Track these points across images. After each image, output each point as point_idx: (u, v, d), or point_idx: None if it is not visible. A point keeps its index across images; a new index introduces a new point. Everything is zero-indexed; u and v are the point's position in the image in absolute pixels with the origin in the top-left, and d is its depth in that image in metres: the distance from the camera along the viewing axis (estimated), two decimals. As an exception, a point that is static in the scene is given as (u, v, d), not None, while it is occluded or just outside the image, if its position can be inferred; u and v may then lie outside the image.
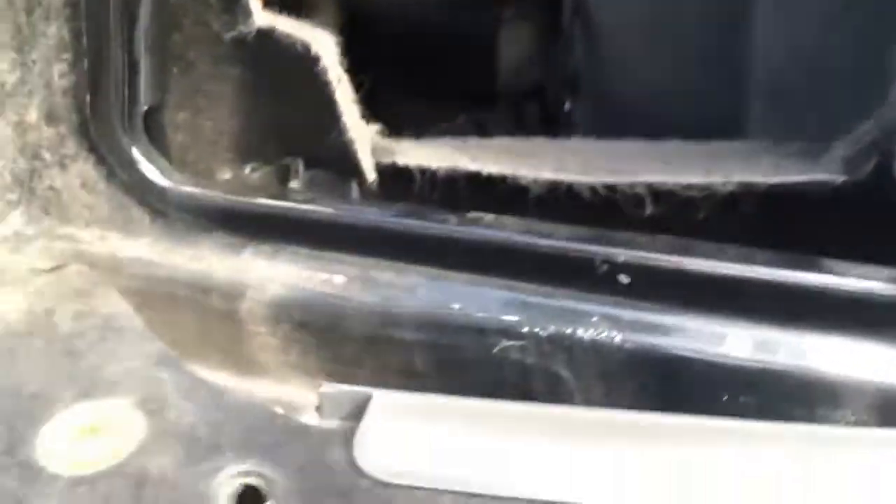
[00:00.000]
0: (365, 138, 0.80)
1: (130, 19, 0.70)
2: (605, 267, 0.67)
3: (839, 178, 0.71)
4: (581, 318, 0.68)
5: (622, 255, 0.66)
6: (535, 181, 0.78)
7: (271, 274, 0.74)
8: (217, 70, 0.80)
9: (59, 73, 0.72)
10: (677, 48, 1.51)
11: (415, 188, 0.84)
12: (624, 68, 1.65)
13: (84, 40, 0.70)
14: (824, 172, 0.71)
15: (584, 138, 0.85)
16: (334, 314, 0.73)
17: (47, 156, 0.76)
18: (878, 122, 0.71)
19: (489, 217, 0.70)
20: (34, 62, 0.72)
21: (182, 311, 0.77)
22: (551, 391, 0.70)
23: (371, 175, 0.82)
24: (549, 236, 0.68)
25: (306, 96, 0.78)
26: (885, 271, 0.64)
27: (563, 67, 1.75)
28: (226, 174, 0.88)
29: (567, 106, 1.73)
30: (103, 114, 0.73)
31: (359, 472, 0.57)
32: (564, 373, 0.70)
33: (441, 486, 0.56)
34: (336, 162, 0.85)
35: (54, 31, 0.71)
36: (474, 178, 0.81)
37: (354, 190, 0.90)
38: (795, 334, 0.64)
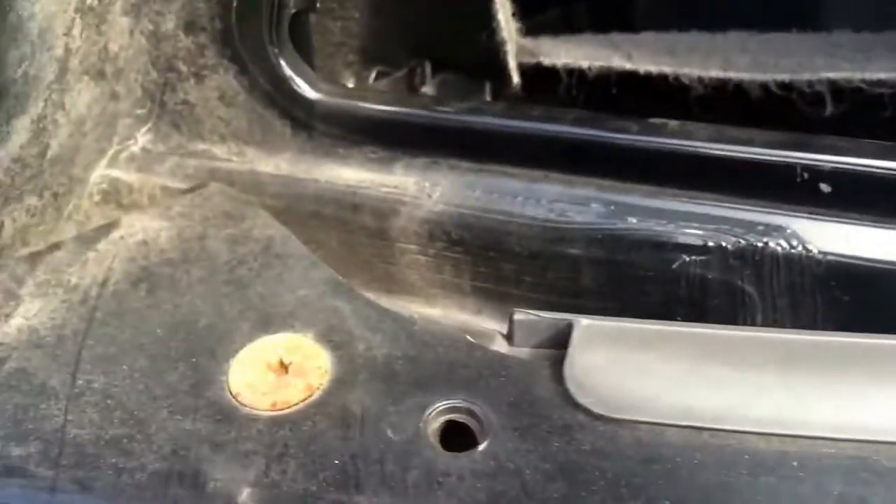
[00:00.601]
0: (513, 38, 0.74)
1: None
2: (805, 175, 0.62)
3: None
4: (773, 229, 0.64)
5: (827, 161, 0.61)
6: (701, 80, 0.72)
7: (427, 188, 0.70)
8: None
9: (204, -24, 0.66)
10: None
11: (560, 90, 0.79)
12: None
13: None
14: None
15: (743, 31, 0.79)
16: (495, 230, 0.69)
17: (183, 67, 0.70)
18: None
19: (674, 124, 0.65)
20: (175, -36, 0.65)
21: (327, 230, 0.72)
22: (732, 307, 0.67)
23: (516, 77, 0.76)
24: (745, 143, 0.63)
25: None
26: None
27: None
28: (349, 79, 0.82)
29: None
30: (250, 20, 0.66)
31: (576, 406, 0.53)
32: (749, 288, 0.66)
33: (666, 420, 0.53)
34: (471, 64, 0.80)
35: (200, -72, 0.64)
36: (629, 78, 0.75)
37: (487, 93, 0.84)
38: None
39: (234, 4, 0.67)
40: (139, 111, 0.72)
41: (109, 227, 0.67)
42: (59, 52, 0.63)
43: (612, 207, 0.66)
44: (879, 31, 0.75)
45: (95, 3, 0.65)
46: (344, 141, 0.70)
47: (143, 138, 0.73)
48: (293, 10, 0.68)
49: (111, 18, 0.66)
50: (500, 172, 0.69)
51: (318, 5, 0.70)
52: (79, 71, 0.65)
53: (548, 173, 0.68)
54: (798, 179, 0.63)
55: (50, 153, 0.66)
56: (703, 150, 0.65)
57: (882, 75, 0.67)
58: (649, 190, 0.66)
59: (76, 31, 0.63)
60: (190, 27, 0.69)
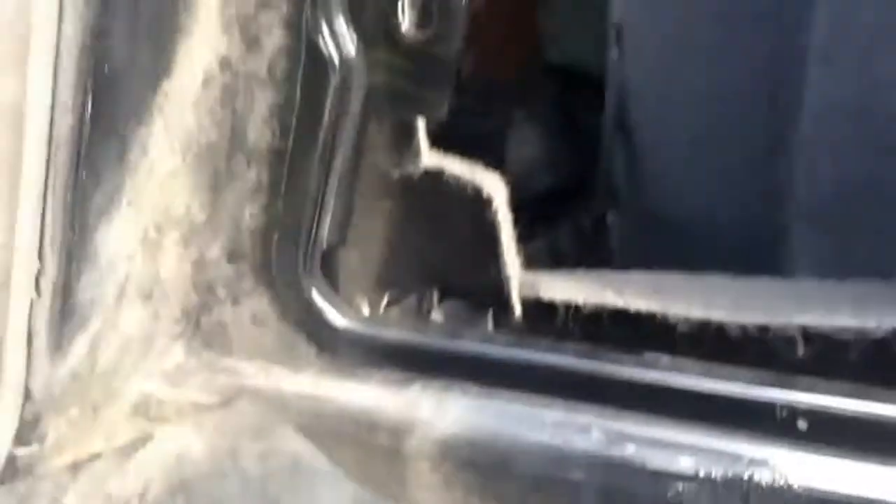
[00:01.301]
0: (517, 273, 0.82)
1: (328, 165, 0.72)
2: (784, 412, 0.70)
3: None
4: (758, 462, 0.70)
5: (804, 399, 0.69)
6: (686, 319, 0.81)
7: (441, 411, 0.76)
8: (376, 204, 0.82)
9: (250, 214, 0.74)
10: (719, 170, 1.57)
11: (556, 322, 0.87)
12: (664, 186, 1.71)
13: (283, 185, 0.72)
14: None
15: (724, 274, 0.89)
16: (503, 452, 0.75)
17: (222, 292, 0.77)
18: None
19: (666, 359, 0.73)
20: (226, 202, 0.74)
21: (345, 447, 0.77)
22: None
23: (518, 309, 0.84)
24: (730, 379, 0.70)
25: (466, 233, 0.81)
26: None
27: (604, 180, 1.81)
28: (364, 302, 0.89)
29: (609, 218, 1.78)
30: (287, 253, 0.74)
31: None
32: (739, 516, 0.72)
33: None
34: (476, 293, 0.88)
35: (253, 175, 0.73)
36: (620, 314, 0.84)
37: (489, 320, 0.92)
38: None
39: (275, 238, 0.75)
40: (175, 329, 0.78)
41: (145, 439, 0.71)
42: (121, 277, 0.69)
43: (612, 435, 0.73)
44: (841, 282, 0.85)
45: (154, 234, 0.72)
46: (365, 364, 0.77)
47: (176, 355, 0.79)
48: (324, 247, 0.77)
49: (166, 247, 0.74)
50: (508, 398, 0.75)
51: (347, 241, 0.78)
52: (133, 294, 0.71)
53: (552, 400, 0.74)
54: (778, 416, 0.70)
55: (97, 369, 0.71)
56: (693, 385, 0.72)
57: (845, 323, 0.77)
58: (646, 419, 0.73)
59: (137, 259, 0.70)
60: (233, 256, 0.77)
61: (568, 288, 0.85)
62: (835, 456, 0.70)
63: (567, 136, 2.22)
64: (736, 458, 0.72)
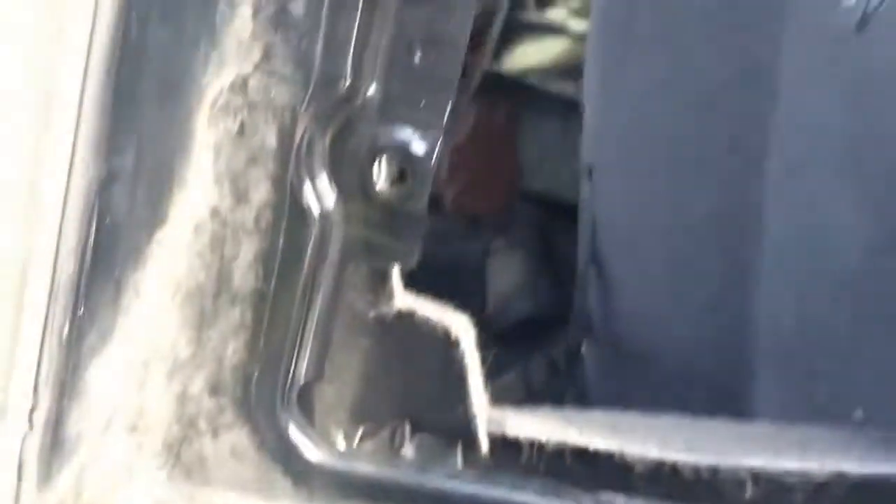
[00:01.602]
0: (484, 411, 0.87)
1: (308, 307, 0.78)
2: (735, 554, 0.74)
3: (924, 472, 0.80)
4: None
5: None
6: (642, 459, 0.85)
7: (407, 546, 0.79)
8: (352, 342, 0.87)
9: (233, 350, 0.79)
10: (687, 304, 1.63)
11: (522, 459, 0.91)
12: (636, 318, 1.78)
13: (265, 324, 0.78)
14: (910, 465, 0.80)
15: (681, 415, 0.94)
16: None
17: (203, 425, 0.81)
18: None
19: (621, 499, 0.77)
20: (210, 339, 0.79)
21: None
22: None
23: (485, 446, 0.88)
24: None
25: (436, 371, 0.86)
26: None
27: (578, 312, 1.87)
28: (339, 435, 0.93)
29: (582, 349, 1.84)
30: (266, 388, 0.79)
31: None
32: None
33: None
34: (446, 429, 0.92)
35: (237, 314, 0.78)
36: (581, 452, 0.88)
37: (459, 454, 0.96)
38: None
39: (256, 373, 0.80)
40: (158, 461, 0.82)
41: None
42: (108, 411, 0.74)
43: (570, 571, 0.77)
44: (787, 427, 0.90)
45: (142, 369, 0.77)
46: (338, 498, 0.81)
47: (157, 486, 0.82)
48: (302, 382, 0.82)
49: (151, 381, 0.79)
50: (475, 533, 0.79)
51: (323, 378, 0.83)
52: (118, 427, 0.76)
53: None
54: (728, 557, 0.74)
55: (82, 500, 0.74)
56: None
57: (789, 466, 0.82)
58: (603, 557, 0.77)
59: (124, 393, 0.75)
60: (214, 390, 0.81)
61: (533, 425, 0.90)
62: None
63: (546, 264, 2.29)
64: None
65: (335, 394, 0.93)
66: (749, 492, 0.83)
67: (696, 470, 0.85)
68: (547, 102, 2.55)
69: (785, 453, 0.84)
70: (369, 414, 0.95)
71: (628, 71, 1.82)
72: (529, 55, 2.75)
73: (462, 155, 2.21)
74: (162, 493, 0.83)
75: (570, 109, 2.09)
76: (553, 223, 2.35)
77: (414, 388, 0.92)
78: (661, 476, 0.86)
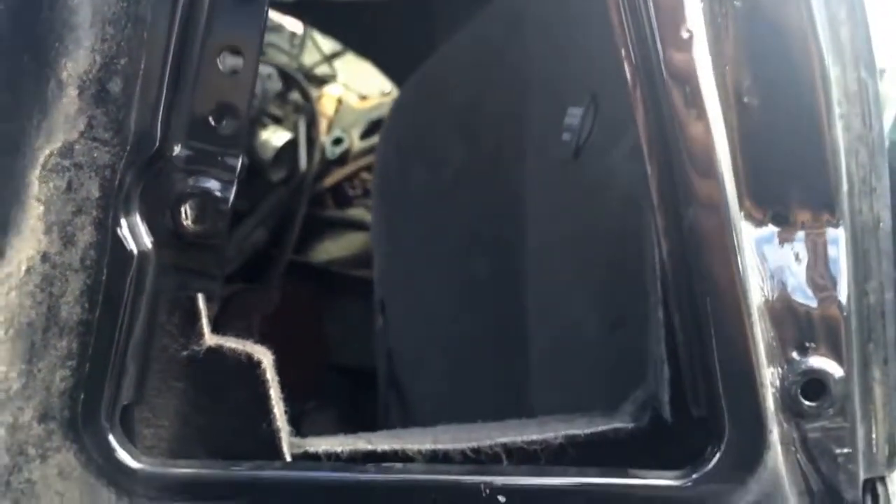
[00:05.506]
0: (286, 429, 1.03)
1: (128, 335, 0.93)
2: (488, 490, 0.92)
3: (630, 426, 1.02)
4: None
5: (501, 481, 0.93)
6: (420, 451, 1.03)
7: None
8: (171, 374, 1.01)
9: (61, 378, 0.92)
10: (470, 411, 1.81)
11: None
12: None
13: (90, 351, 0.92)
14: (620, 422, 1.02)
15: (449, 425, 1.13)
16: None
17: (32, 451, 0.92)
18: (645, 390, 1.05)
19: (399, 465, 0.95)
20: (40, 370, 0.91)
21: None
22: None
23: (287, 456, 1.03)
24: (449, 473, 0.94)
25: (242, 395, 1.01)
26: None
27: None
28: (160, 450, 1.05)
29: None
30: (92, 410, 0.92)
31: None
32: None
33: None
34: (249, 449, 1.06)
35: (64, 344, 0.92)
36: (371, 454, 1.05)
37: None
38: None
39: (82, 398, 0.93)
40: (-14, 492, 0.91)
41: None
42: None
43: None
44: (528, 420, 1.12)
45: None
46: (157, 498, 0.93)
47: (-14, 516, 0.91)
48: (124, 403, 0.95)
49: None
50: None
51: (143, 400, 0.97)
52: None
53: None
54: (483, 494, 0.92)
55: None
56: (420, 479, 0.94)
57: (533, 437, 1.02)
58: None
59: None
60: (43, 418, 0.93)
61: (329, 442, 1.07)
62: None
63: (354, 420, 2.44)
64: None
65: (152, 413, 1.05)
66: (504, 461, 1.02)
67: (462, 452, 1.04)
68: (351, 286, 2.80)
69: (528, 430, 1.04)
70: (185, 452, 1.08)
71: (406, 217, 2.11)
72: (331, 250, 3.02)
73: (271, 329, 2.39)
74: (-9, 522, 0.92)
75: (373, 292, 2.34)
76: (363, 391, 2.54)
77: (221, 415, 1.06)
78: (436, 459, 1.04)
